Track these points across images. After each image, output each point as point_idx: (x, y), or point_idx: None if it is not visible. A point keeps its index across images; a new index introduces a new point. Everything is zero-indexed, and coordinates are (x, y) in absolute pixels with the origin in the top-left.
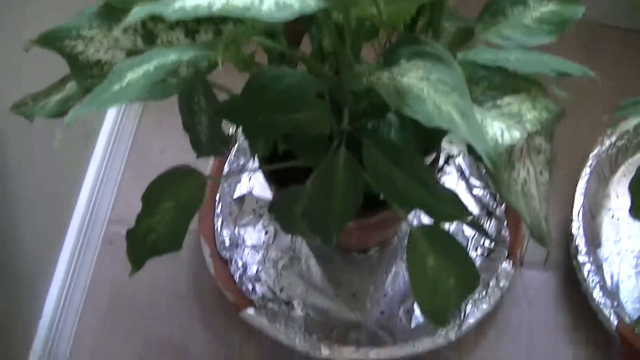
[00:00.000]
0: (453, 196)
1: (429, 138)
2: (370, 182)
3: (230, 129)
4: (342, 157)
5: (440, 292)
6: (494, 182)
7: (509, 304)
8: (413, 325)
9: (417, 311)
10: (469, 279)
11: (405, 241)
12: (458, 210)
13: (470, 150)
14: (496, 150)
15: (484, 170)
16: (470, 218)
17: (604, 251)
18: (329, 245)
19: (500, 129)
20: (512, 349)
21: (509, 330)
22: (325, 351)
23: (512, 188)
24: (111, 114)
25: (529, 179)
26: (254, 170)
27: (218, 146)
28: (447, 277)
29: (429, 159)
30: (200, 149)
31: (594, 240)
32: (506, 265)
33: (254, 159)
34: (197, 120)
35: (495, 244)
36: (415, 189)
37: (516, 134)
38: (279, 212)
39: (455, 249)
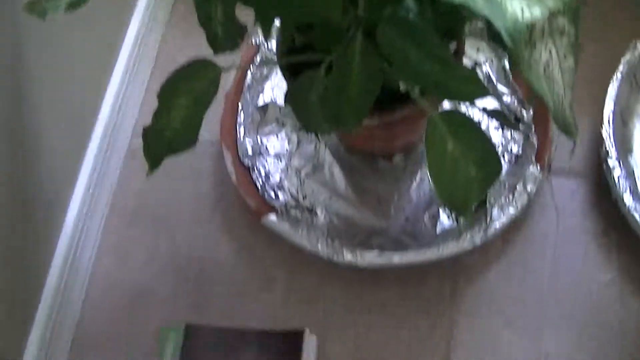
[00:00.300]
0: (472, 73)
1: (448, 24)
2: (387, 70)
3: (255, 39)
4: (358, 43)
5: (459, 178)
6: (514, 62)
7: (537, 211)
8: (438, 230)
9: (442, 216)
10: (490, 166)
11: None
12: (477, 87)
13: (489, 30)
14: (516, 27)
15: (511, 76)
16: (489, 94)
17: (636, 157)
18: (349, 149)
19: (520, 6)
20: (539, 254)
21: (536, 236)
22: (348, 255)
23: (534, 69)
24: (134, 26)
25: (551, 61)
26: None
27: (234, 37)
28: (467, 164)
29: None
30: (216, 44)
31: (624, 146)
32: (534, 169)
33: (267, 45)
34: (213, 12)
35: (522, 150)
36: (431, 65)
37: (537, 11)
38: (294, 101)
39: (475, 134)
